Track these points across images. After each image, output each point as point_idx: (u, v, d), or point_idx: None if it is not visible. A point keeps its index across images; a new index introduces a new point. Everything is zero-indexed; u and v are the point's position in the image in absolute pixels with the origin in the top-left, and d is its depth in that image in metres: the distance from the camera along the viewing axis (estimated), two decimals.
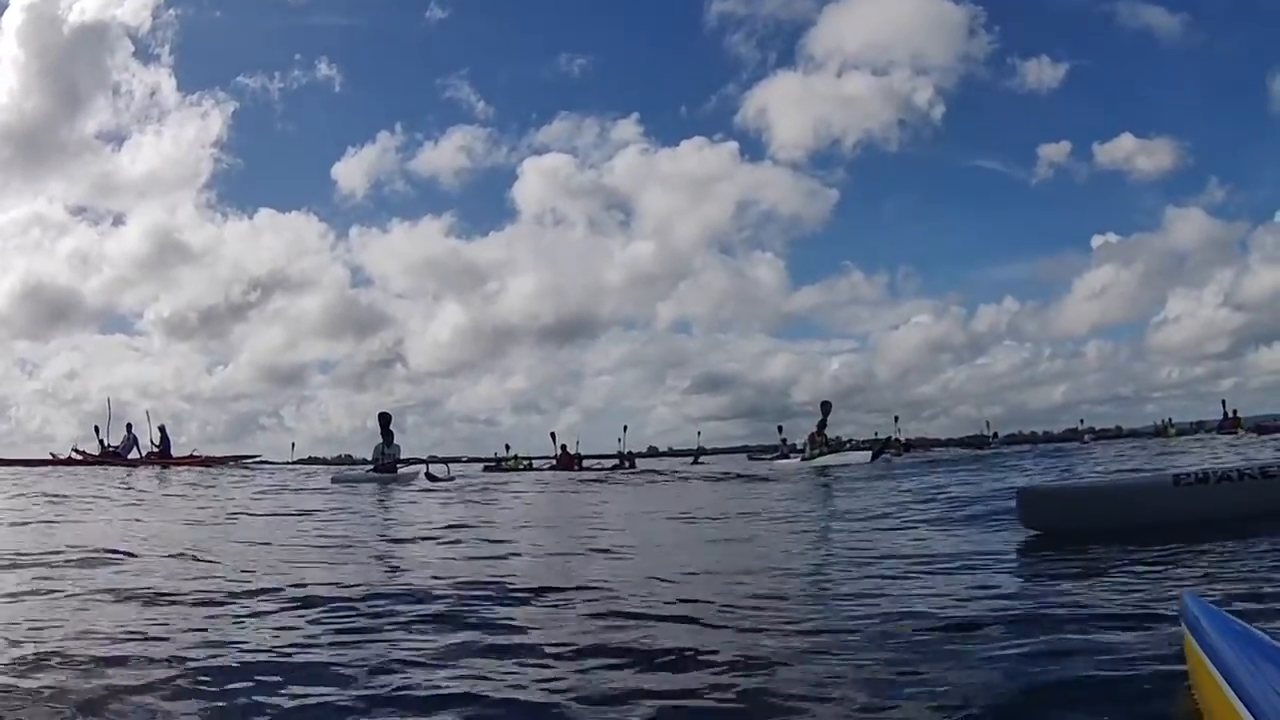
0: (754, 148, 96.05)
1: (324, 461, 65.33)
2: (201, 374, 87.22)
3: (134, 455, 15.98)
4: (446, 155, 74.96)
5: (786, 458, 23.58)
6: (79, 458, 15.93)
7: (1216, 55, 70.24)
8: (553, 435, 24.98)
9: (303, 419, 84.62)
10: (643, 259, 78.69)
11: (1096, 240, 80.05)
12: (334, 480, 13.77)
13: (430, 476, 14.53)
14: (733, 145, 78.31)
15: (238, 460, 17.76)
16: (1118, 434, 54.53)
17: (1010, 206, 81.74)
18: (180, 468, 15.56)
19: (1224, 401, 33.55)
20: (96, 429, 16.69)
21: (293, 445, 56.07)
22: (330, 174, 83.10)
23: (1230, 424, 25.74)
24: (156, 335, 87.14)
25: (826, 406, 15.56)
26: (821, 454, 14.77)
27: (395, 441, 14.85)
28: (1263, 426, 15.74)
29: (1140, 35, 74.68)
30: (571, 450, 24.55)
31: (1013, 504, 6.42)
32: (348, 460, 59.28)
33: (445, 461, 19.50)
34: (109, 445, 16.26)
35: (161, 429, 16.99)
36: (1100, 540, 5.31)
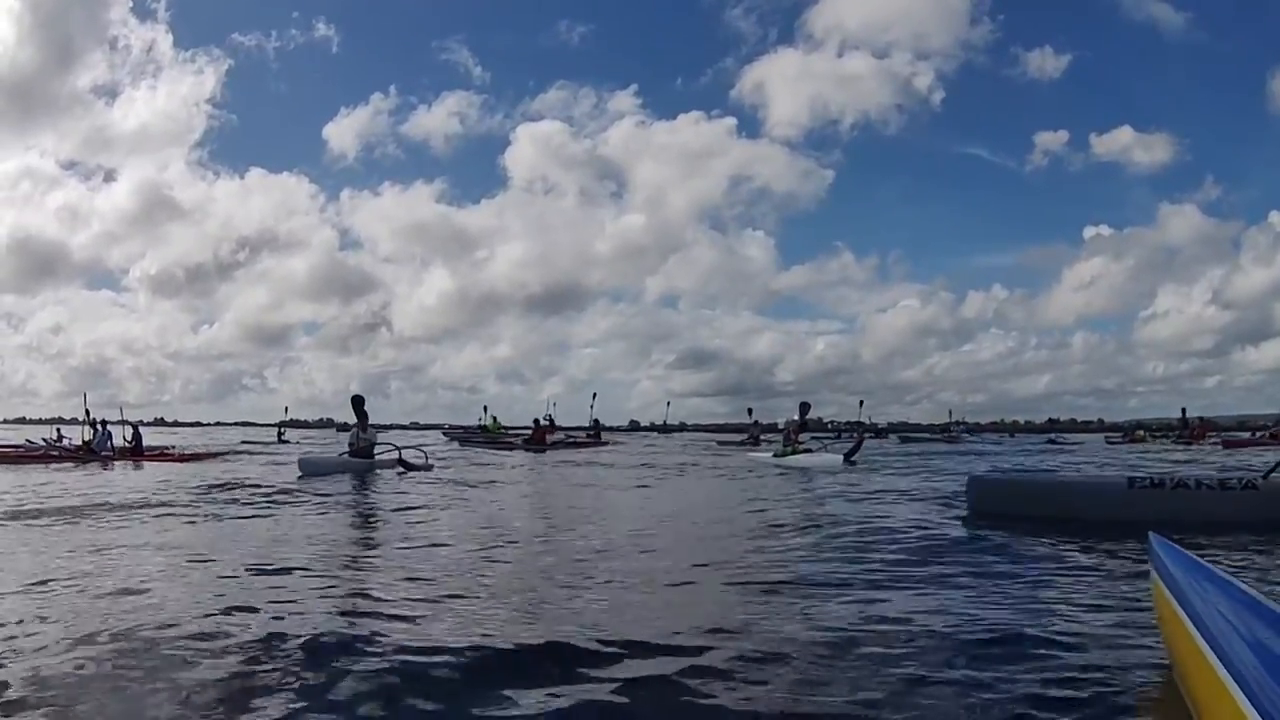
0: (750, 124, 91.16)
1: (306, 425, 65.63)
2: (186, 332, 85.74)
3: (107, 451, 16.89)
4: (439, 119, 71.84)
5: (757, 442, 24.10)
6: (55, 453, 16.58)
7: (1219, 53, 67.58)
8: (535, 421, 27.27)
9: (286, 380, 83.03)
10: (633, 231, 76.33)
11: (1089, 231, 77.53)
12: (301, 468, 13.09)
13: (404, 464, 14.16)
14: (730, 121, 75.57)
15: (213, 457, 18.30)
16: (1100, 428, 54.19)
17: (1004, 194, 78.71)
18: (153, 462, 16.22)
19: (1184, 410, 31.36)
20: (91, 419, 17.44)
21: (286, 409, 56.60)
22: (322, 135, 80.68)
23: (1192, 432, 23.50)
24: (142, 292, 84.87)
25: (805, 408, 16.19)
26: (794, 452, 15.35)
27: (370, 424, 14.50)
28: (1230, 440, 14.09)
29: (1144, 29, 71.59)
30: (547, 422, 27.65)
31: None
32: (329, 424, 59.50)
33: (425, 429, 19.93)
34: (88, 442, 17.20)
35: (135, 429, 18.29)
36: (1048, 529, 5.55)
